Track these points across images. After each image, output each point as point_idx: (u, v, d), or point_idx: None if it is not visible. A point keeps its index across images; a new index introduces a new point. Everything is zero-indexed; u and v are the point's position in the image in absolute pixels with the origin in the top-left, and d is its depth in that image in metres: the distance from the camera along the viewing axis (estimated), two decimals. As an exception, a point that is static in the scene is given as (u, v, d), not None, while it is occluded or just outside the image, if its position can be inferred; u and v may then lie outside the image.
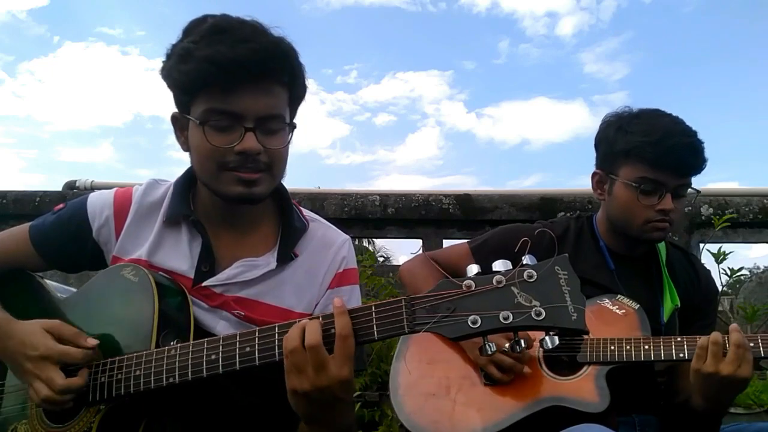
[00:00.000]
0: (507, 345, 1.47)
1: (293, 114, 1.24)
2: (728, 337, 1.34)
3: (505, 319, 0.88)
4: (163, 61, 1.18)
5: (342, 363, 0.96)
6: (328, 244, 1.33)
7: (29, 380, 1.12)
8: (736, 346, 1.32)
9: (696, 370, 1.35)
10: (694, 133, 1.56)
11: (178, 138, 1.25)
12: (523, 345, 0.93)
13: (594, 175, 1.72)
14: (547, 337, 0.91)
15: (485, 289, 0.91)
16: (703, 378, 1.34)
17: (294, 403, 1.02)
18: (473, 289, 0.91)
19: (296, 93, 1.22)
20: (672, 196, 1.57)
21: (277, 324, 1.03)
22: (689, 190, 1.62)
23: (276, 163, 1.19)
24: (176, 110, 1.22)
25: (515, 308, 0.88)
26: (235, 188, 1.16)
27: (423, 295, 0.94)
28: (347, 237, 1.38)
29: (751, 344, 1.36)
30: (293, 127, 1.22)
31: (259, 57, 1.10)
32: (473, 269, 0.93)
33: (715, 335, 1.34)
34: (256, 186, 1.17)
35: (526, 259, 0.92)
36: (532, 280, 0.89)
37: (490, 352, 0.93)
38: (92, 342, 1.13)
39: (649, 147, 1.53)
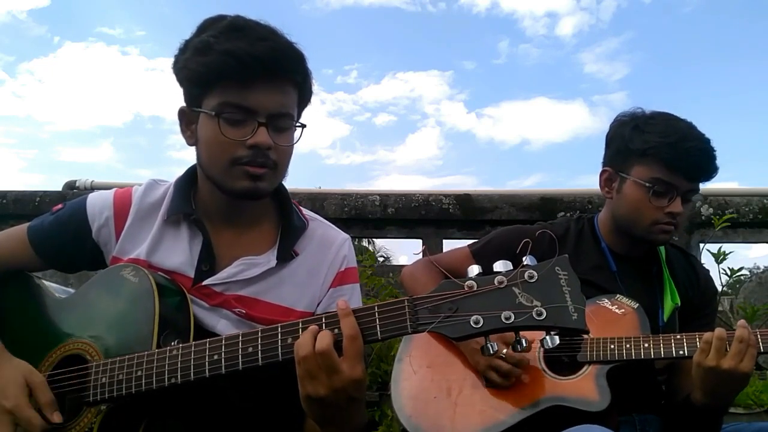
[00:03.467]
0: (505, 351, 1.47)
1: (299, 116, 1.26)
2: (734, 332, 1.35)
3: (507, 319, 0.89)
4: (176, 55, 1.21)
5: (354, 363, 0.97)
6: (328, 243, 1.33)
7: None
8: (739, 340, 1.33)
9: (698, 363, 1.36)
10: (708, 140, 1.58)
11: (183, 132, 1.26)
12: (524, 344, 0.93)
13: (603, 172, 1.71)
14: (547, 337, 0.92)
15: (487, 289, 0.91)
16: (704, 372, 1.35)
17: (308, 408, 1.02)
18: (475, 289, 0.92)
19: (305, 96, 1.25)
20: (681, 199, 1.57)
21: (279, 324, 1.03)
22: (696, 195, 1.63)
23: (282, 160, 1.21)
24: (184, 105, 1.24)
25: (517, 308, 0.89)
26: (242, 183, 1.17)
27: (425, 296, 0.95)
28: (347, 236, 1.38)
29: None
30: (303, 126, 1.24)
31: (277, 55, 1.14)
32: (474, 270, 0.94)
33: (720, 331, 1.35)
34: (261, 181, 1.18)
35: (527, 260, 0.92)
36: (533, 281, 0.90)
37: (492, 352, 0.94)
38: (57, 418, 1.12)
39: (666, 148, 1.54)
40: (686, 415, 1.50)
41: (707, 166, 1.57)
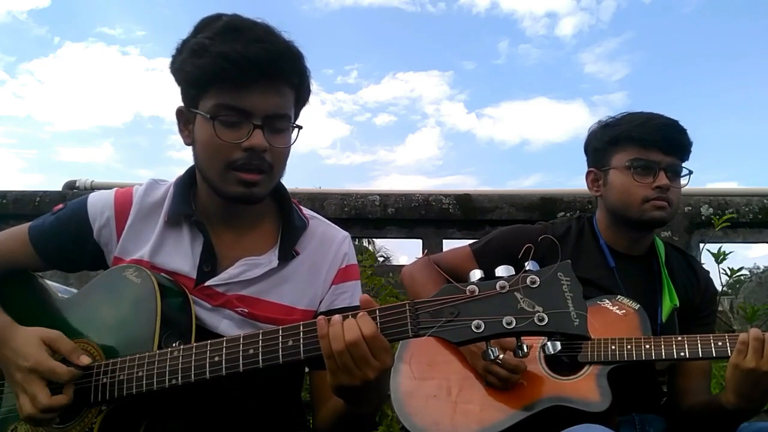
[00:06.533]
0: (501, 356, 1.48)
1: (297, 116, 1.26)
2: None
3: (509, 324, 0.89)
4: (173, 56, 1.21)
5: (385, 356, 0.98)
6: (328, 241, 1.34)
7: (17, 391, 1.11)
8: None
9: (735, 365, 1.33)
10: (676, 120, 1.65)
11: (181, 132, 1.26)
12: (525, 350, 0.93)
13: (588, 174, 1.78)
14: (549, 343, 0.92)
15: (489, 294, 0.91)
16: (741, 374, 1.32)
17: (340, 395, 1.04)
18: (477, 294, 0.92)
19: (302, 96, 1.25)
20: (666, 175, 1.61)
21: (281, 327, 1.04)
22: (684, 173, 1.66)
23: (278, 162, 1.21)
24: (182, 104, 1.23)
25: (518, 313, 0.89)
26: (235, 188, 1.18)
27: (427, 300, 0.95)
28: (347, 233, 1.39)
29: None
30: (299, 128, 1.24)
31: (272, 57, 1.13)
32: (476, 274, 0.94)
33: (756, 331, 1.33)
34: (256, 187, 1.18)
35: (529, 265, 0.92)
36: (535, 286, 0.90)
37: (492, 357, 0.94)
38: (85, 360, 1.12)
39: (636, 128, 1.62)
40: (713, 417, 1.47)
41: (679, 138, 1.64)
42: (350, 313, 0.99)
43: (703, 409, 1.52)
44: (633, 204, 1.62)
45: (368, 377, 0.97)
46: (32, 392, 1.08)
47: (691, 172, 1.67)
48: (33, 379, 1.09)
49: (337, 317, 0.99)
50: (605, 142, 1.69)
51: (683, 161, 1.66)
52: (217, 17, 1.18)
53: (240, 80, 1.12)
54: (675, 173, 1.64)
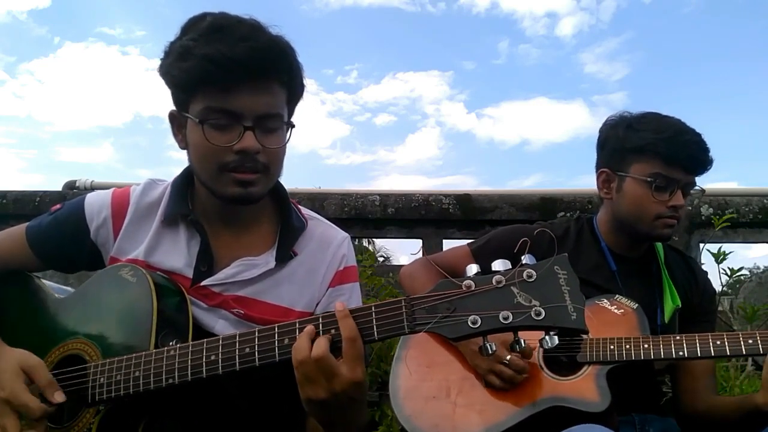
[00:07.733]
0: (509, 357, 1.47)
1: (291, 113, 1.24)
2: None
3: (505, 319, 0.88)
4: (162, 59, 1.18)
5: (354, 365, 0.97)
6: (327, 242, 1.33)
7: None
8: None
9: None
10: (700, 133, 1.60)
11: (175, 136, 1.24)
12: (523, 345, 0.93)
13: (600, 173, 1.71)
14: (546, 337, 0.91)
15: (485, 289, 0.91)
16: None
17: (310, 410, 1.02)
18: (473, 289, 0.91)
19: (294, 92, 1.22)
20: (682, 193, 1.59)
21: (276, 324, 1.03)
22: (694, 188, 1.64)
23: (273, 162, 1.19)
24: (174, 108, 1.22)
25: (515, 308, 0.88)
26: (232, 189, 1.16)
27: (423, 296, 0.94)
28: (346, 235, 1.38)
29: (750, 341, 1.36)
30: (291, 126, 1.22)
31: (258, 56, 1.10)
32: (473, 269, 0.93)
33: None
34: (252, 186, 1.17)
35: (526, 259, 0.91)
36: (531, 280, 0.89)
37: (490, 352, 0.93)
38: (59, 398, 1.09)
39: (663, 143, 1.56)
40: (744, 417, 1.45)
41: (703, 158, 1.60)
42: (322, 316, 1.00)
43: (732, 409, 1.50)
44: (645, 219, 1.60)
45: (335, 389, 0.96)
46: (2, 424, 1.06)
47: (703, 191, 1.66)
48: (5, 410, 1.07)
49: (310, 327, 0.99)
50: (627, 147, 1.62)
51: (698, 177, 1.63)
52: (203, 17, 1.16)
53: (226, 82, 1.10)
54: (688, 192, 1.63)
